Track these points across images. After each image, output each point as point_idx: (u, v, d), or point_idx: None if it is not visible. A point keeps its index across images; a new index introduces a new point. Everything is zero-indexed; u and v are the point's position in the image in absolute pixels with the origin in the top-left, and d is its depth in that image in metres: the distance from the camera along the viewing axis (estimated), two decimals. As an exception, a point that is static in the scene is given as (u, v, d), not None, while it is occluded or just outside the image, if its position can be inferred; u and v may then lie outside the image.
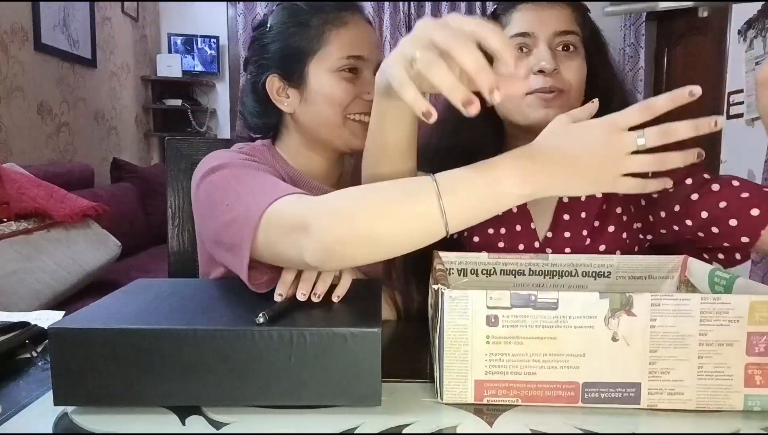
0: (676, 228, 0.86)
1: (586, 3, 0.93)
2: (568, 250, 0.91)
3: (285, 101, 0.87)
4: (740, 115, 2.57)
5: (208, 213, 0.74)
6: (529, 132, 0.85)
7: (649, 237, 0.93)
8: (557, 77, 0.84)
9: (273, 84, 0.86)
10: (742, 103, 2.55)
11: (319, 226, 0.59)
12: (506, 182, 0.57)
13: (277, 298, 0.64)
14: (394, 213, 0.58)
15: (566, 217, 0.93)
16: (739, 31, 2.55)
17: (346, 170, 0.98)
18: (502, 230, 0.94)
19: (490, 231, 0.95)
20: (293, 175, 0.90)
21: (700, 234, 0.84)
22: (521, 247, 0.93)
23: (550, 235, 0.93)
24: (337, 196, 0.62)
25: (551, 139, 0.59)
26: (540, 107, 0.85)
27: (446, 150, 0.90)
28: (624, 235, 0.92)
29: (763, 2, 2.38)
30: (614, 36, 3.57)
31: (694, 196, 0.84)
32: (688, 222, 0.84)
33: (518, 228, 0.94)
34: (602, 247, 0.91)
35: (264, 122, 0.92)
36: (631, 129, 0.56)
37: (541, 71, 0.83)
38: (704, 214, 0.83)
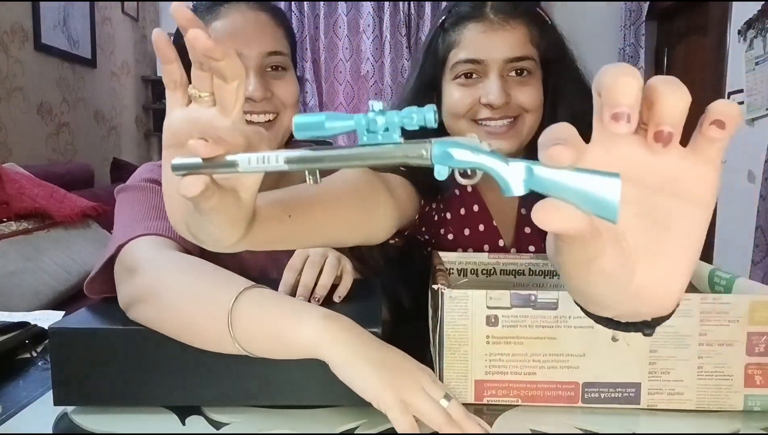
0: None
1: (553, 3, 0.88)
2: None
3: None
4: (740, 115, 2.57)
5: None
6: None
7: None
8: (508, 106, 0.81)
9: None
10: (742, 103, 2.55)
11: (137, 287, 0.60)
12: (304, 326, 0.53)
13: None
14: (195, 325, 0.56)
15: (527, 230, 0.91)
16: (739, 31, 2.55)
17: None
18: (470, 250, 0.90)
19: (459, 250, 0.91)
20: None
21: None
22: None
23: (514, 251, 0.91)
24: (170, 268, 0.60)
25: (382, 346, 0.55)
26: (491, 139, 0.81)
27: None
28: None
29: (763, 2, 2.38)
30: (614, 36, 3.57)
31: None
32: None
33: (486, 247, 0.92)
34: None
35: None
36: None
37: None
38: None
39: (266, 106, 0.76)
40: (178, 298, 0.56)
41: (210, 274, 0.59)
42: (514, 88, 0.81)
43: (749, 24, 2.49)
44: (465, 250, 0.90)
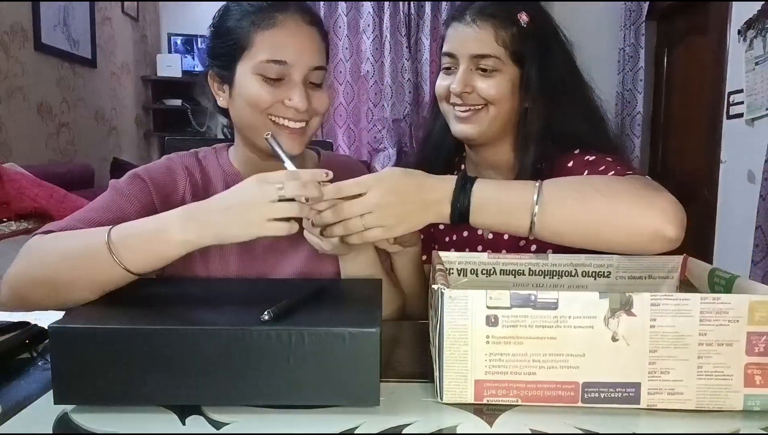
0: None
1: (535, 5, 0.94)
2: (504, 251, 0.97)
3: (221, 96, 0.89)
4: (740, 115, 2.57)
5: None
6: (471, 145, 1.00)
7: None
8: (471, 96, 0.92)
9: (212, 79, 0.89)
10: (742, 103, 2.55)
11: (12, 267, 0.70)
12: (171, 231, 0.65)
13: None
14: (76, 266, 0.66)
15: None
16: (739, 31, 2.55)
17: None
18: (454, 237, 1.02)
19: (446, 239, 1.03)
20: (233, 177, 0.91)
21: None
22: (467, 250, 1.01)
23: (490, 236, 1.00)
24: (40, 243, 0.71)
25: (223, 193, 0.67)
26: (457, 122, 0.95)
27: (421, 161, 1.04)
28: None
29: (763, 2, 2.38)
30: (614, 36, 3.57)
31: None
32: None
33: (465, 233, 1.02)
34: (533, 247, 0.94)
35: (220, 114, 0.93)
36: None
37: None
38: None
39: (304, 116, 0.83)
40: (64, 255, 0.67)
41: (81, 232, 0.70)
42: (478, 80, 0.92)
43: (749, 24, 2.49)
44: (450, 236, 1.02)
